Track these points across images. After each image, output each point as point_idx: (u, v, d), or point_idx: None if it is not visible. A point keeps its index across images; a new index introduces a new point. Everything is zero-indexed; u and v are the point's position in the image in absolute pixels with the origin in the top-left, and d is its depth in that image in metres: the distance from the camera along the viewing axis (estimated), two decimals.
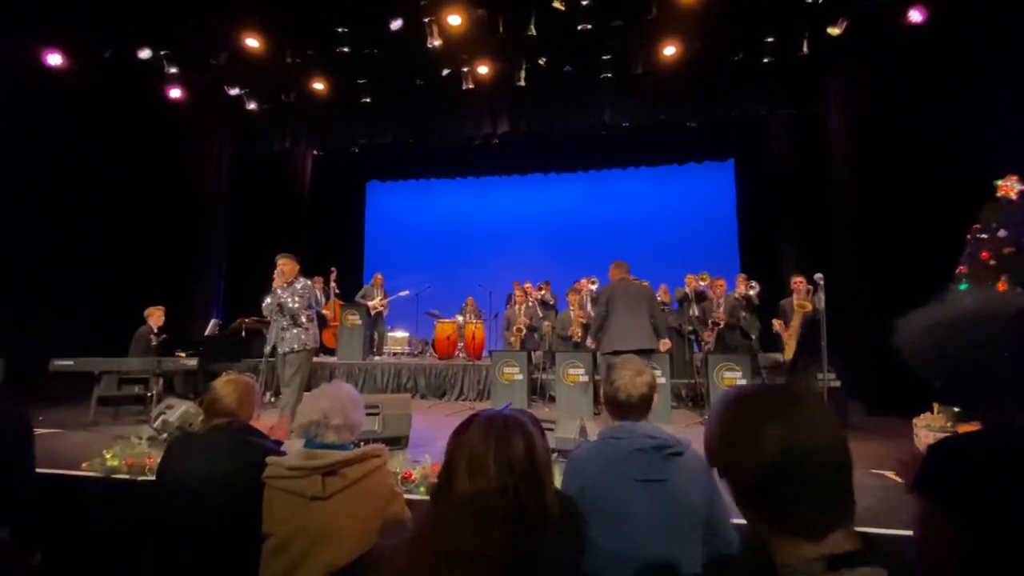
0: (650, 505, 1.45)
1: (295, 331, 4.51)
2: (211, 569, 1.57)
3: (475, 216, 11.02)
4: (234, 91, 7.61)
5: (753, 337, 6.37)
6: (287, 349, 4.49)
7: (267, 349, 4.63)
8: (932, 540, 0.89)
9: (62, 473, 3.07)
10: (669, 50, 6.74)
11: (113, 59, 6.72)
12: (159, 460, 1.80)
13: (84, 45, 6.61)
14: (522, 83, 7.17)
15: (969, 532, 0.83)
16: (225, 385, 1.83)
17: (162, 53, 6.79)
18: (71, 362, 4.96)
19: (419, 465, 3.01)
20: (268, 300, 4.61)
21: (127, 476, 3.03)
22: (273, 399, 5.84)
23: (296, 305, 4.51)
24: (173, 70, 6.93)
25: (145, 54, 6.70)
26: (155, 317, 6.01)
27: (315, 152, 10.02)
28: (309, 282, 4.78)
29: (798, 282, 5.82)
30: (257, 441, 1.76)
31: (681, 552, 1.45)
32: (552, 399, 6.03)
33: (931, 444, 1.02)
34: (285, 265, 4.60)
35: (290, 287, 4.57)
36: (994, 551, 0.81)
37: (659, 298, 5.94)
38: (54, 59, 6.58)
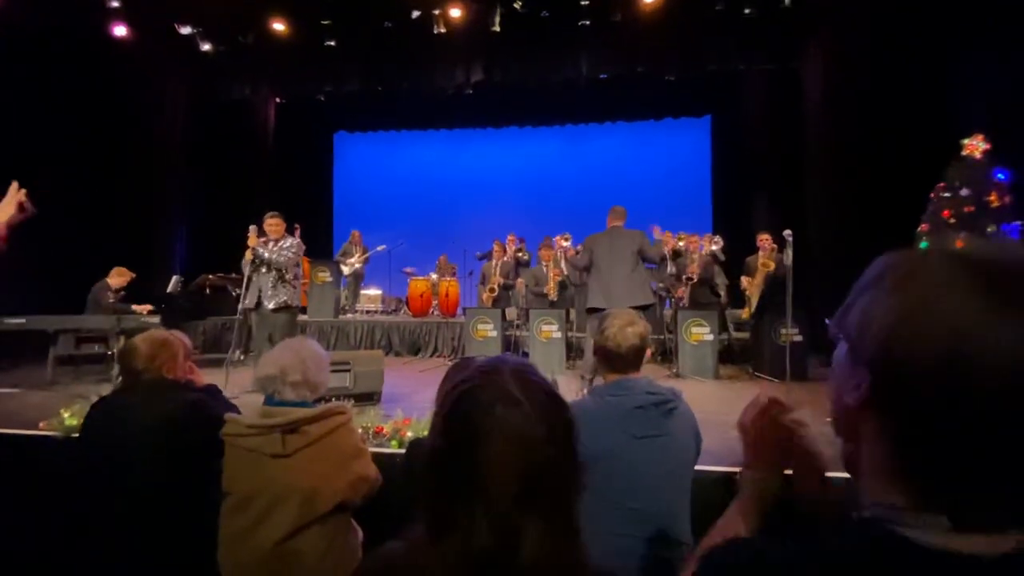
0: (650, 460, 1.46)
1: (282, 287, 4.49)
2: (151, 529, 1.55)
3: (448, 170, 10.73)
4: (186, 30, 7.05)
5: (722, 294, 6.49)
6: (276, 304, 4.45)
7: (247, 304, 4.50)
8: None
9: (17, 433, 2.97)
10: None
11: None
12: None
13: None
14: (497, 28, 6.84)
15: None
16: (136, 341, 1.80)
17: None
18: (22, 320, 4.72)
19: (391, 420, 3.02)
20: (249, 256, 4.47)
21: None
22: (243, 357, 5.74)
23: (284, 259, 4.48)
24: (115, 3, 6.35)
25: None
26: (118, 279, 5.72)
27: (278, 100, 9.48)
28: (297, 240, 4.76)
29: (764, 239, 5.90)
30: (176, 395, 1.73)
31: (679, 503, 1.49)
32: (526, 355, 6.10)
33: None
34: (277, 225, 4.58)
35: (276, 244, 4.53)
36: None
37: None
38: None
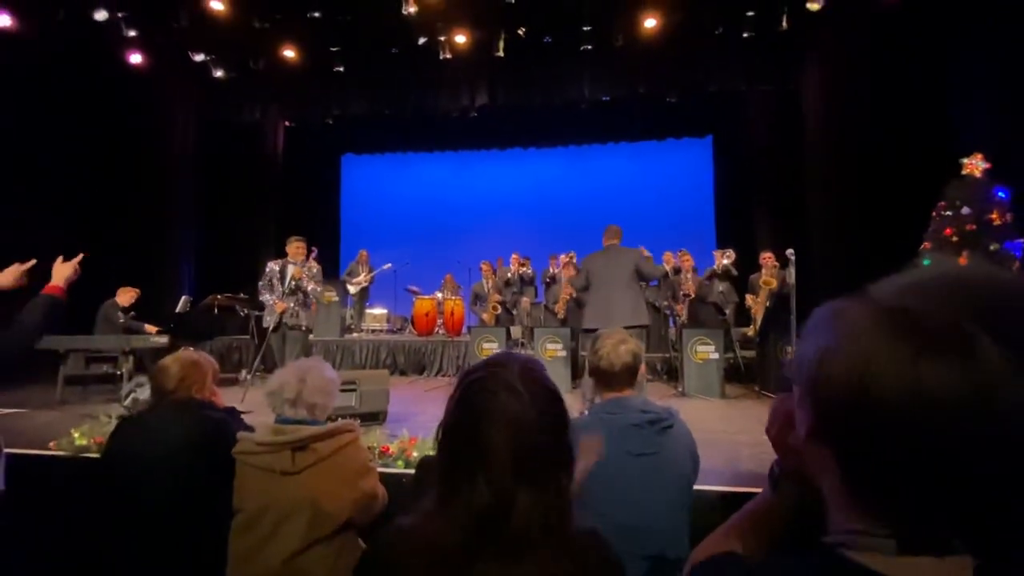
0: (646, 478, 1.47)
1: (306, 311, 4.84)
2: (170, 547, 1.56)
3: (453, 191, 10.87)
4: (199, 57, 7.27)
5: (727, 312, 6.49)
6: (300, 325, 4.79)
7: (271, 324, 4.73)
8: None
9: (27, 453, 3.00)
10: (650, 22, 6.66)
11: (67, 21, 6.33)
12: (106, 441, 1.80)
13: (36, 5, 6.20)
14: (501, 53, 7.01)
15: None
16: (167, 361, 1.83)
17: (119, 15, 6.43)
18: None
19: (396, 439, 3.02)
20: (273, 280, 4.77)
21: (97, 455, 2.97)
22: (249, 376, 5.77)
23: (318, 288, 4.90)
24: (132, 33, 6.58)
25: (101, 15, 6.33)
26: (125, 296, 5.81)
27: (287, 124, 9.69)
28: (319, 267, 5.17)
29: (766, 257, 5.93)
30: (203, 414, 1.75)
31: (677, 520, 1.50)
32: None
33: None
34: (300, 248, 4.90)
35: (303, 269, 4.87)
36: None
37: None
38: (3, 20, 6.17)
